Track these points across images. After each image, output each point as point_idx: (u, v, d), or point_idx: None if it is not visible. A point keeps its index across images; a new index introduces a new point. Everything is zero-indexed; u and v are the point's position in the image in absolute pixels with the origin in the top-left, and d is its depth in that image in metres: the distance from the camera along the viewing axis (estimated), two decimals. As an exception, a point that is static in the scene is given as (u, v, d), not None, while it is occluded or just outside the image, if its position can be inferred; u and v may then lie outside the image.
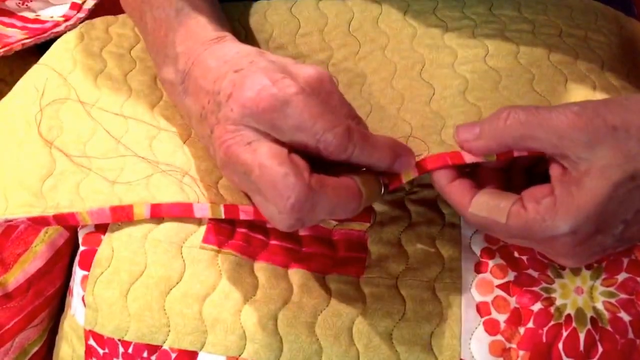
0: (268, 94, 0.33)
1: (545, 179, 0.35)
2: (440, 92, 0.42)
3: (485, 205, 0.35)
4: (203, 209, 0.40)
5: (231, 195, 0.40)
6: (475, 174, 0.37)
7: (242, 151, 0.33)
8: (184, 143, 0.43)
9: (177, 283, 0.39)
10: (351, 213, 0.34)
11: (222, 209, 0.40)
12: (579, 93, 0.40)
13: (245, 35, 0.48)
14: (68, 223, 0.40)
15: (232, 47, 0.39)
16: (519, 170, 0.39)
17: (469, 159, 0.36)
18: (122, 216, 0.40)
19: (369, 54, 0.45)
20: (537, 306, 0.37)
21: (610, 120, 0.32)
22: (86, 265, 0.40)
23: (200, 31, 0.41)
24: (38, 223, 0.40)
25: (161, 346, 0.38)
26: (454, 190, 0.36)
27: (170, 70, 0.41)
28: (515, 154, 0.36)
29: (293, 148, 0.34)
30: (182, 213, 0.40)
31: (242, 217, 0.40)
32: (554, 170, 0.34)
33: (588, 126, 0.32)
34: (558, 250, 0.34)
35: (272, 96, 0.33)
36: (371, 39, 0.46)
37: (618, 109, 0.33)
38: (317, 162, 0.34)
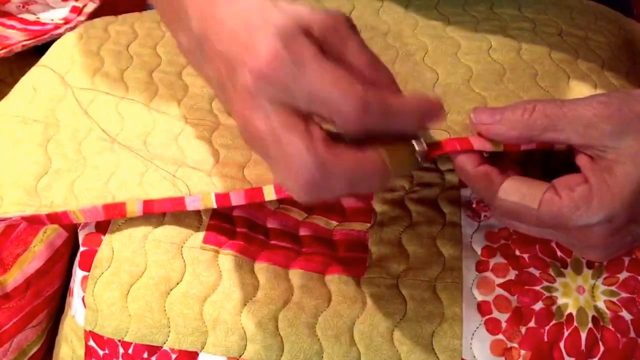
0: (280, 59, 0.31)
1: (561, 172, 0.35)
2: (445, 78, 0.41)
3: (517, 191, 0.34)
4: (195, 201, 0.39)
5: (224, 182, 0.40)
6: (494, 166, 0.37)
7: (258, 123, 0.31)
8: (178, 135, 0.43)
9: (178, 283, 0.39)
10: (376, 188, 0.32)
11: (213, 197, 0.39)
12: (581, 90, 0.41)
13: None
14: (61, 222, 0.40)
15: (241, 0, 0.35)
16: (536, 164, 0.38)
17: (477, 145, 0.36)
18: (114, 213, 0.40)
19: (370, 39, 0.45)
20: (538, 305, 0.37)
21: (638, 108, 0.32)
22: (86, 266, 0.40)
23: None
24: (32, 222, 0.40)
25: (161, 347, 0.38)
26: (481, 176, 0.35)
27: (184, 38, 0.38)
28: (522, 147, 0.35)
29: (312, 116, 0.31)
30: (174, 207, 0.39)
31: (234, 202, 0.39)
32: (582, 161, 0.34)
33: (614, 115, 0.32)
34: (590, 240, 0.34)
35: (284, 62, 0.31)
36: (372, 26, 0.46)
37: None
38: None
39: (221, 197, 0.39)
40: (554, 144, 0.35)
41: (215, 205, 0.39)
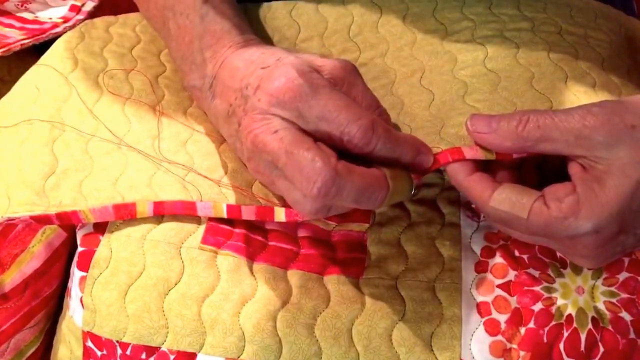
0: (295, 84, 0.34)
1: (556, 175, 0.35)
2: (440, 97, 0.42)
3: (508, 200, 0.34)
4: (206, 208, 0.40)
5: (234, 194, 0.40)
6: (488, 171, 0.37)
7: (269, 139, 0.34)
8: (186, 141, 0.43)
9: (176, 284, 0.38)
10: (377, 204, 0.34)
11: (224, 207, 0.40)
12: (579, 90, 0.41)
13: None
14: (71, 221, 0.40)
15: (258, 48, 0.40)
16: (531, 167, 0.39)
17: (469, 155, 0.36)
18: (125, 214, 0.40)
19: (370, 60, 0.46)
20: (537, 306, 0.37)
21: (629, 119, 0.32)
22: (84, 266, 0.40)
23: (226, 36, 0.42)
24: (40, 221, 0.40)
25: (160, 347, 0.38)
26: (474, 184, 0.36)
27: (196, 77, 0.42)
28: (515, 156, 0.36)
29: (318, 139, 0.34)
30: (185, 211, 0.40)
31: (244, 216, 0.40)
32: (574, 169, 0.34)
33: (605, 126, 0.32)
34: (579, 250, 0.34)
35: (299, 86, 0.34)
36: (371, 45, 0.46)
37: (636, 108, 0.33)
38: (344, 155, 0.34)
39: (232, 209, 0.40)
40: (547, 154, 0.35)
41: (225, 216, 0.40)
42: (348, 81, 0.37)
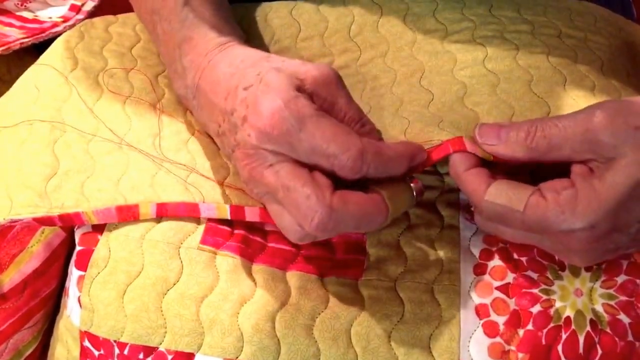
0: (281, 117, 0.34)
1: (549, 176, 0.35)
2: (439, 97, 0.42)
3: (504, 193, 0.34)
4: (209, 209, 0.40)
5: (236, 195, 0.40)
6: (487, 167, 0.37)
7: (266, 173, 0.34)
8: (188, 141, 0.43)
9: (174, 284, 0.38)
10: (377, 227, 0.35)
11: (228, 209, 0.40)
12: (578, 93, 0.41)
13: (246, 40, 0.48)
14: (73, 223, 0.40)
15: (236, 54, 0.39)
16: (524, 168, 0.38)
17: (470, 147, 0.36)
18: (128, 215, 0.40)
19: (370, 61, 0.46)
20: (536, 308, 0.37)
21: (632, 120, 0.33)
22: (83, 266, 0.40)
23: (202, 40, 0.41)
24: (43, 223, 0.40)
25: (157, 348, 0.38)
26: (470, 178, 0.36)
27: (180, 85, 0.42)
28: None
29: (312, 167, 0.34)
30: (188, 213, 0.40)
31: (248, 217, 0.40)
32: (578, 169, 0.34)
33: (609, 127, 0.33)
34: (572, 245, 0.34)
35: (285, 120, 0.34)
36: (371, 45, 0.46)
37: None
38: (341, 180, 0.35)
39: (236, 210, 0.40)
40: (557, 162, 0.35)
41: (229, 217, 0.40)
42: (330, 93, 0.36)
